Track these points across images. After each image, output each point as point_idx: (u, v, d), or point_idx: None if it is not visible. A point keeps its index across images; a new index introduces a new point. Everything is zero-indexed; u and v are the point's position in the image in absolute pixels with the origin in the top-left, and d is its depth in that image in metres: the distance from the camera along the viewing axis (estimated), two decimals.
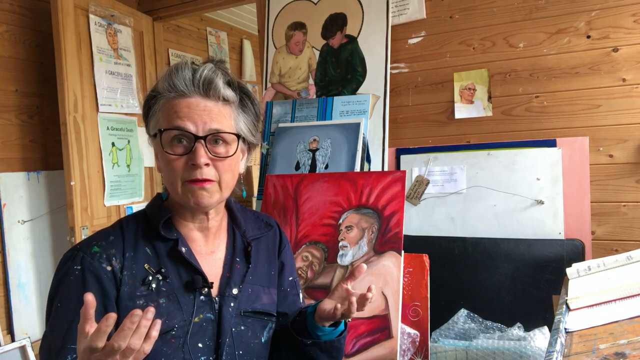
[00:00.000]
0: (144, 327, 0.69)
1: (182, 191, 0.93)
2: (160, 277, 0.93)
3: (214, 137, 0.93)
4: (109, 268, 0.91)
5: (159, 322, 0.71)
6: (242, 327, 0.99)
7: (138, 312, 0.68)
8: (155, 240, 0.96)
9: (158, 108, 0.95)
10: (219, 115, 0.94)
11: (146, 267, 0.93)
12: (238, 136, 0.96)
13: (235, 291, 1.00)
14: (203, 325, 0.95)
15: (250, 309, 1.01)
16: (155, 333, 0.71)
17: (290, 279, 1.15)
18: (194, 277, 0.95)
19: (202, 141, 0.91)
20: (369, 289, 0.99)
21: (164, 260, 0.95)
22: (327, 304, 1.02)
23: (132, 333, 0.69)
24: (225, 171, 0.95)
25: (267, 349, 1.06)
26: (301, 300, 1.17)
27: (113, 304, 0.89)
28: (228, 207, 1.08)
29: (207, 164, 0.92)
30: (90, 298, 0.70)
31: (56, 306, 0.89)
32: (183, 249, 0.96)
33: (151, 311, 0.70)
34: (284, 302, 1.12)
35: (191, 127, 0.91)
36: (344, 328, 1.06)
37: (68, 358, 0.83)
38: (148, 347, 0.71)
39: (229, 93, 0.95)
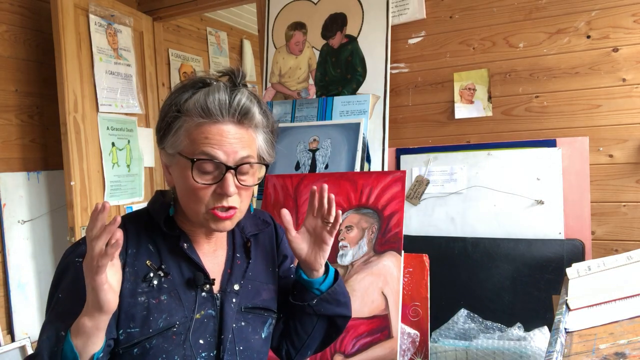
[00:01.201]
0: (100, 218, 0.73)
1: (204, 217, 0.92)
2: (162, 274, 0.94)
3: (243, 166, 0.92)
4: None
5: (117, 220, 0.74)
6: (243, 323, 1.00)
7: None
8: (157, 237, 0.97)
9: (182, 128, 0.91)
10: (248, 142, 0.92)
11: (148, 264, 0.94)
12: (267, 165, 0.97)
13: (236, 287, 1.00)
14: (204, 322, 0.95)
15: (251, 305, 1.02)
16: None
17: (292, 266, 1.16)
18: (196, 273, 0.96)
19: (232, 171, 0.90)
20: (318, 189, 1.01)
21: (166, 257, 0.96)
22: (309, 254, 1.03)
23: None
24: (247, 197, 0.95)
25: (268, 345, 1.06)
26: None
27: None
28: None
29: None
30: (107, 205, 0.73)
31: (57, 297, 0.89)
32: (185, 245, 0.96)
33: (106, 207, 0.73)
34: (289, 290, 1.12)
35: (222, 157, 0.89)
36: (333, 270, 1.08)
37: (66, 347, 0.83)
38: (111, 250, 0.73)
39: (259, 119, 0.94)
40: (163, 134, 0.94)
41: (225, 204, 0.91)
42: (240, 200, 0.93)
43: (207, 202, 0.91)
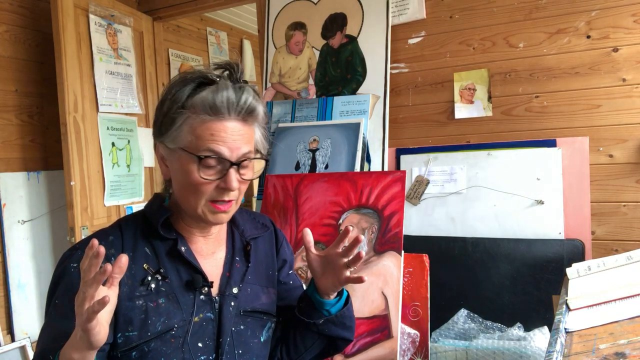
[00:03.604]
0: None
1: (202, 210, 0.93)
2: (160, 277, 0.93)
3: (244, 161, 0.93)
4: None
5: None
6: (242, 327, 0.99)
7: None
8: (154, 240, 0.96)
9: (186, 123, 0.91)
10: (250, 138, 0.94)
11: (145, 267, 0.93)
12: (267, 160, 0.98)
13: (235, 290, 1.00)
14: (203, 325, 0.95)
15: (250, 309, 1.01)
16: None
17: (291, 272, 1.16)
18: (194, 276, 0.95)
19: (235, 167, 0.91)
20: (348, 230, 0.97)
21: (163, 260, 0.95)
22: (322, 278, 1.02)
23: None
24: (244, 190, 0.97)
25: (267, 349, 1.06)
26: None
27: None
28: None
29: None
30: (101, 250, 0.73)
31: (54, 302, 0.89)
32: (182, 248, 0.96)
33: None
34: (288, 296, 1.12)
35: (226, 153, 0.90)
36: (347, 293, 1.07)
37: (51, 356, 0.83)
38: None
39: (262, 117, 0.96)
40: (164, 128, 0.94)
41: (226, 198, 0.92)
42: (238, 193, 0.95)
43: (207, 195, 0.92)
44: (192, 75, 0.94)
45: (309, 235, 1.00)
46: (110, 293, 0.73)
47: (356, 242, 0.93)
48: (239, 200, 0.97)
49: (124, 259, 0.74)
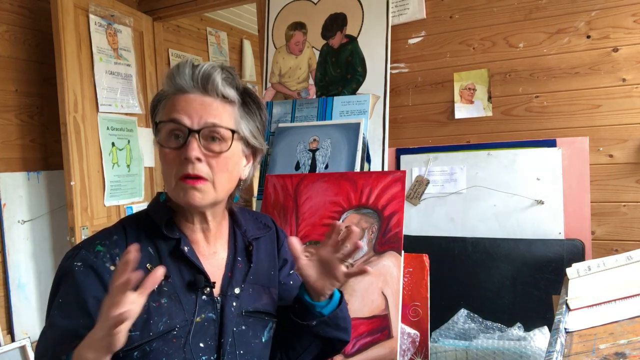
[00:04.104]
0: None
1: (174, 189, 0.92)
2: (162, 277, 0.93)
3: (210, 133, 0.92)
4: (112, 267, 0.90)
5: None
6: (244, 327, 0.99)
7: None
8: (158, 240, 0.96)
9: (161, 107, 0.96)
10: (217, 110, 0.93)
11: (148, 267, 0.93)
12: (233, 132, 0.95)
13: (237, 290, 1.00)
14: (205, 325, 0.95)
15: (252, 309, 1.01)
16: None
17: (292, 272, 1.16)
18: (196, 276, 0.95)
19: (196, 135, 0.90)
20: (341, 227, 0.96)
21: (166, 260, 0.95)
22: (317, 281, 1.00)
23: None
24: (220, 170, 0.93)
25: (268, 349, 1.06)
26: None
27: None
28: (229, 207, 1.08)
29: (198, 159, 0.90)
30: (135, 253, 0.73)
31: (57, 301, 0.89)
32: (185, 248, 0.96)
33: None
34: (288, 296, 1.11)
35: (186, 121, 0.91)
36: (340, 296, 1.05)
37: (65, 352, 0.83)
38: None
39: (229, 91, 0.95)
40: (152, 120, 0.99)
41: (190, 171, 0.90)
42: (211, 170, 0.92)
43: (175, 170, 0.92)
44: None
45: (296, 244, 0.98)
46: (138, 300, 0.73)
47: (349, 233, 0.93)
48: (218, 182, 0.93)
49: (159, 272, 0.74)
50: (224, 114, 0.94)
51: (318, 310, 1.02)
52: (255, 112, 0.99)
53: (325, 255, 0.98)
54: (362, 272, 0.95)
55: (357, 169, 2.01)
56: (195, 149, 0.89)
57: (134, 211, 2.55)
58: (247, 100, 0.98)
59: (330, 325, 1.03)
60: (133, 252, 0.72)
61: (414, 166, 2.09)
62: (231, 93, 0.95)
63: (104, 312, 0.73)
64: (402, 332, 1.67)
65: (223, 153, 0.93)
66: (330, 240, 0.98)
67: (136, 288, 0.73)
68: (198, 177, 0.91)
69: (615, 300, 1.13)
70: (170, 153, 0.92)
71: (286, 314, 1.08)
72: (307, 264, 0.99)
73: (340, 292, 1.06)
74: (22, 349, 2.20)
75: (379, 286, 1.67)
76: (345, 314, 1.07)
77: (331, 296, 1.04)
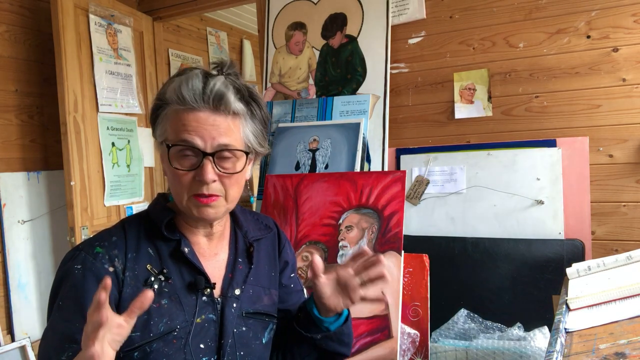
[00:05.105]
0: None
1: (187, 204, 0.92)
2: (163, 278, 0.93)
3: (223, 154, 0.91)
4: (111, 269, 0.90)
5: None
6: (244, 328, 0.99)
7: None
8: (158, 241, 0.96)
9: (165, 116, 0.92)
10: (227, 129, 0.91)
11: (148, 268, 0.93)
12: (247, 153, 0.94)
13: (237, 292, 1.00)
14: (205, 326, 0.94)
15: (252, 310, 1.01)
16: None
17: (292, 275, 1.15)
18: (197, 277, 0.95)
19: (211, 157, 0.89)
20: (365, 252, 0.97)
21: (167, 261, 0.95)
22: (331, 298, 1.00)
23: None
24: (232, 185, 0.93)
25: (268, 350, 1.06)
26: (305, 296, 1.17)
27: (113, 306, 0.89)
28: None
29: (214, 181, 0.90)
30: (108, 282, 0.72)
31: (57, 304, 0.89)
32: (186, 250, 0.95)
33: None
34: (288, 299, 1.11)
35: (199, 143, 0.89)
36: (347, 313, 1.05)
37: (65, 356, 0.83)
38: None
39: (239, 106, 0.92)
40: (152, 124, 0.96)
41: (205, 191, 0.90)
42: (224, 188, 0.92)
43: (188, 188, 0.91)
44: (179, 71, 0.95)
45: (319, 263, 0.98)
46: (125, 323, 0.74)
47: (377, 262, 0.93)
48: (231, 196, 0.94)
49: (149, 295, 0.74)
50: (235, 132, 0.92)
51: (325, 325, 1.02)
52: (258, 114, 0.97)
53: (345, 277, 0.98)
54: (379, 300, 0.96)
55: (357, 169, 2.01)
56: (210, 172, 0.89)
57: (134, 211, 2.55)
58: (252, 106, 0.96)
59: (334, 340, 1.03)
60: (108, 285, 0.72)
61: (414, 166, 2.09)
62: (241, 108, 0.93)
63: (82, 343, 0.73)
64: (402, 332, 1.67)
65: (237, 173, 0.93)
66: (355, 265, 0.98)
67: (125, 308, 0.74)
68: (212, 195, 0.91)
69: (615, 300, 1.13)
70: (183, 174, 0.90)
71: (286, 318, 1.08)
72: (325, 283, 0.99)
73: (348, 311, 1.06)
74: (22, 349, 2.20)
75: (379, 286, 1.67)
76: (349, 331, 1.07)
77: (339, 312, 1.03)
